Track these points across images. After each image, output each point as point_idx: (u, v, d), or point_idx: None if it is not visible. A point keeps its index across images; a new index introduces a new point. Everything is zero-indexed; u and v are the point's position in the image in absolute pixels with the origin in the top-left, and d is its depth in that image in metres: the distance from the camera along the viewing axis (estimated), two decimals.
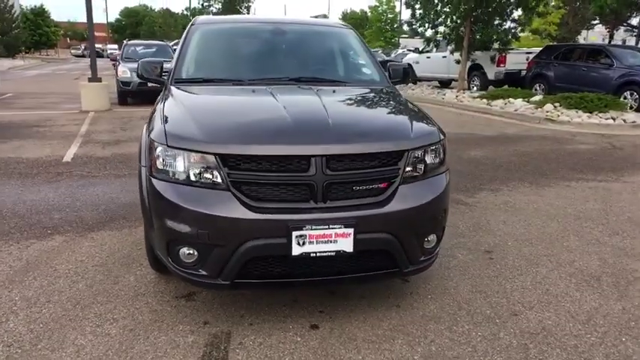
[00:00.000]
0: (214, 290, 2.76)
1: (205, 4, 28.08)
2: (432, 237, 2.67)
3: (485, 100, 12.86)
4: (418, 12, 15.27)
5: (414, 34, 17.21)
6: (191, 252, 2.39)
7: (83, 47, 59.64)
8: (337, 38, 3.97)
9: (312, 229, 2.29)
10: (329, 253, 2.34)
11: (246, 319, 2.62)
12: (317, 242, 2.32)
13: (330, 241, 2.33)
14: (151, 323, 2.57)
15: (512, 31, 14.77)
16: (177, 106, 2.79)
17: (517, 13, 15.07)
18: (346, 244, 2.35)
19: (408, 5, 15.41)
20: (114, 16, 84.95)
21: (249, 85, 3.23)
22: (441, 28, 15.32)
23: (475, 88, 15.77)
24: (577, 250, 3.67)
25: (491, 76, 15.53)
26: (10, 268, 3.17)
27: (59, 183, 5.16)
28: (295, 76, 3.35)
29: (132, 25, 73.97)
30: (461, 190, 5.21)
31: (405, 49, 28.26)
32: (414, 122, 2.77)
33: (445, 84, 18.08)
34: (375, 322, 2.64)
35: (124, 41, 17.16)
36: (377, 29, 46.16)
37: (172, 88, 3.17)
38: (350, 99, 3.14)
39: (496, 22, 14.78)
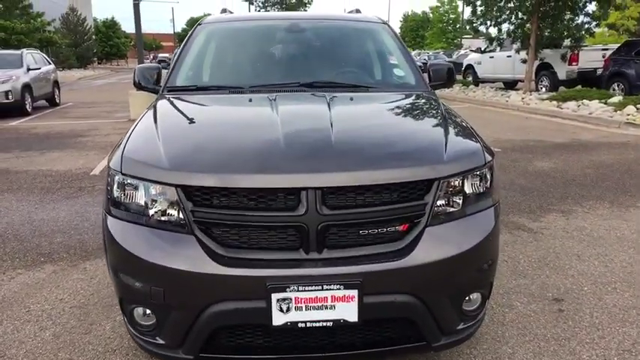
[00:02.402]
0: None
1: (262, 10, 28.13)
2: (476, 296, 1.95)
3: (555, 102, 11.63)
4: (479, 9, 14.17)
5: (474, 32, 16.01)
6: (148, 314, 1.84)
7: (151, 57, 62.36)
8: (364, 35, 3.31)
9: (299, 291, 1.66)
10: (324, 323, 1.70)
11: None
12: (307, 308, 1.68)
13: (326, 307, 1.68)
14: None
15: (586, 26, 13.33)
16: (150, 122, 2.25)
17: (591, 7, 13.63)
18: (348, 311, 1.69)
19: (468, 2, 14.35)
20: (180, 26, 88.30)
21: (250, 92, 2.65)
22: (505, 26, 14.11)
23: (544, 90, 14.42)
24: None
25: (562, 75, 14.13)
26: None
27: (77, 200, 4.84)
28: (308, 80, 2.72)
29: None
30: (524, 212, 4.37)
31: (468, 50, 26.88)
32: (450, 139, 2.06)
33: (510, 85, 16.76)
34: None
35: None
36: (438, 30, 44.66)
37: (159, 99, 2.65)
38: (369, 109, 2.48)
39: (567, 16, 13.40)
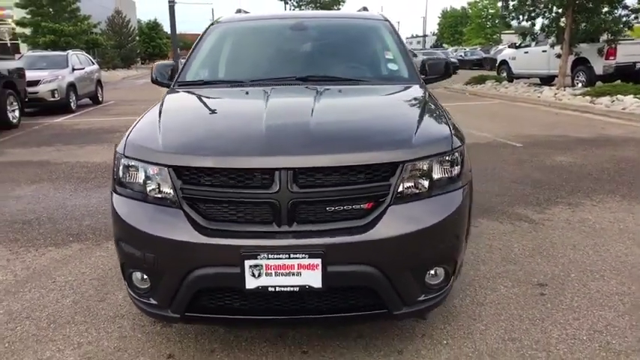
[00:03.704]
0: (167, 322, 2.43)
1: (296, 9, 28.49)
2: (438, 271, 2.12)
3: (588, 98, 11.36)
4: (512, 3, 13.94)
5: (507, 27, 15.73)
6: (144, 278, 2.10)
7: None
8: (363, 32, 3.49)
9: (268, 259, 1.88)
10: (292, 288, 1.91)
11: (216, 356, 2.27)
12: (276, 274, 1.90)
13: (293, 274, 1.90)
14: (114, 352, 2.32)
15: (624, 19, 12.89)
16: (155, 112, 2.53)
17: (631, 0, 13.17)
18: (313, 278, 1.90)
19: None
20: None
21: (251, 86, 2.89)
22: (539, 20, 13.83)
23: (580, 85, 14.04)
24: None
25: (598, 70, 13.72)
26: (14, 277, 3.14)
27: (108, 188, 5.22)
28: (304, 74, 2.94)
29: None
30: (530, 204, 4.43)
31: (507, 45, 26.36)
32: (422, 127, 2.23)
33: (546, 81, 16.36)
34: None
35: None
36: (477, 26, 43.81)
37: (169, 92, 2.94)
38: (353, 100, 2.67)
39: (604, 9, 13.01)
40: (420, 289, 2.07)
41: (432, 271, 2.10)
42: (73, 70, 13.05)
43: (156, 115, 2.49)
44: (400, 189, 2.01)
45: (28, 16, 25.03)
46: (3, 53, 11.63)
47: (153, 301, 2.08)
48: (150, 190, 2.07)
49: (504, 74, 17.97)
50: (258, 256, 1.88)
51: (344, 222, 1.96)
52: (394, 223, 1.97)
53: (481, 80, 17.22)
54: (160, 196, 2.05)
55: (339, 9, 28.35)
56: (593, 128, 8.61)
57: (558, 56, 13.81)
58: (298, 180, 1.94)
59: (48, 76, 11.99)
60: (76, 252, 3.53)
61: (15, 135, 9.17)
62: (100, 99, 14.82)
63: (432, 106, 2.59)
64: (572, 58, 13.85)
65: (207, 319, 2.08)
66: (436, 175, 2.10)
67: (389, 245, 1.95)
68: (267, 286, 1.91)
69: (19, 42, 26.70)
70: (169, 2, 11.76)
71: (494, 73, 19.57)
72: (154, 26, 58.09)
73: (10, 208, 4.60)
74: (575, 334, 2.41)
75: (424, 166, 2.07)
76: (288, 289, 1.91)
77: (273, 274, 1.90)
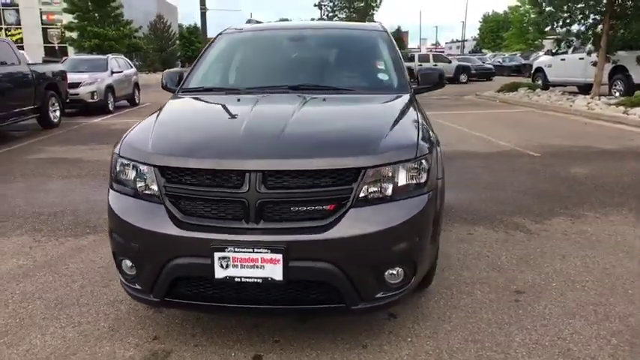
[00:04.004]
0: (149, 305, 2.66)
1: (331, 13, 28.87)
2: (397, 270, 2.26)
3: (622, 108, 11.05)
4: (547, 9, 13.69)
5: (540, 34, 15.45)
6: (131, 265, 2.34)
7: None
8: (359, 43, 3.66)
9: (235, 252, 2.09)
10: (255, 280, 2.11)
11: (196, 340, 2.50)
12: (242, 266, 2.10)
13: (257, 267, 2.10)
14: (107, 331, 2.58)
15: None
16: (154, 116, 2.79)
17: None
18: (275, 272, 2.09)
19: (535, 3, 13.91)
20: None
21: (245, 93, 3.11)
22: (575, 27, 13.52)
23: (617, 94, 13.64)
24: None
25: (637, 79, 13.28)
26: (33, 262, 3.48)
27: None
28: (296, 83, 3.14)
29: None
30: (531, 214, 4.46)
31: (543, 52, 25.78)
32: (390, 135, 2.39)
33: (584, 90, 15.90)
34: (339, 354, 2.32)
35: None
36: (517, 31, 42.85)
37: (172, 98, 3.20)
38: (333, 109, 2.85)
39: None
40: (378, 287, 2.23)
41: (391, 271, 2.25)
42: (112, 73, 13.74)
43: (153, 119, 2.75)
44: (362, 193, 2.18)
45: (75, 21, 26.37)
46: (50, 56, 12.40)
47: (138, 287, 2.32)
48: (139, 187, 2.32)
49: (540, 82, 17.63)
50: (226, 249, 2.09)
51: (306, 221, 2.14)
52: (353, 224, 2.13)
53: (513, 88, 16.94)
54: (147, 192, 2.29)
55: (372, 14, 28.54)
56: (621, 140, 8.42)
57: (594, 64, 13.47)
58: (267, 182, 2.13)
59: (88, 79, 12.67)
60: (91, 242, 3.85)
61: (55, 134, 9.78)
62: (137, 101, 15.49)
63: (410, 115, 2.73)
64: (609, 66, 13.49)
65: (184, 304, 2.30)
66: (399, 181, 2.25)
67: (347, 244, 2.12)
68: (233, 277, 2.11)
69: (67, 45, 28.17)
70: (201, 10, 12.30)
71: (527, 80, 19.21)
72: (194, 30, 59.74)
73: (39, 201, 5.00)
74: (538, 340, 2.50)
75: (387, 172, 2.23)
76: (253, 280, 2.11)
77: (239, 266, 2.10)
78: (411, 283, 2.33)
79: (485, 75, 29.10)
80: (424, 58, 26.52)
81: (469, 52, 67.04)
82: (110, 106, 13.19)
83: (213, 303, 2.24)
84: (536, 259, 3.49)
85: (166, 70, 3.69)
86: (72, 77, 12.06)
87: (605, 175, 5.96)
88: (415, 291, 2.90)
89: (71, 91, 11.81)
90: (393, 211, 2.22)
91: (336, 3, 28.95)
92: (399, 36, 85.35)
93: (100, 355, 2.37)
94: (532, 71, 18.60)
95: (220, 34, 3.88)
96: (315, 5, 29.35)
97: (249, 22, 4.72)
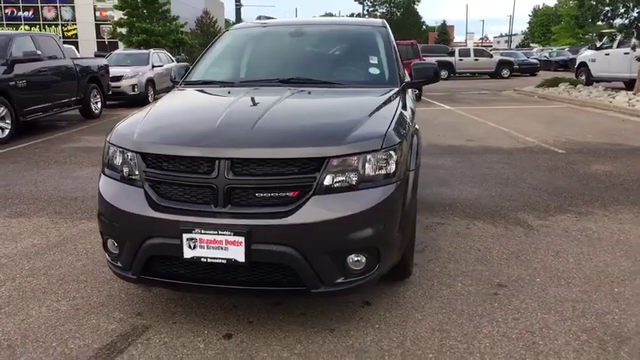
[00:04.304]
0: (129, 282, 2.79)
1: (371, 9, 28.65)
2: (359, 257, 2.33)
3: None
4: (588, 2, 13.13)
5: (580, 28, 14.81)
6: (114, 244, 2.53)
7: None
8: (355, 38, 3.72)
9: (201, 233, 2.22)
10: (220, 260, 2.24)
11: (175, 317, 2.66)
12: (208, 247, 2.24)
13: (221, 248, 2.22)
14: (96, 306, 2.79)
15: None
16: (149, 107, 2.97)
17: None
18: (238, 253, 2.21)
19: None
20: None
21: (239, 86, 3.25)
22: (618, 20, 12.90)
23: None
24: (628, 301, 2.79)
25: None
26: (47, 242, 3.76)
27: None
28: (287, 77, 3.25)
29: None
30: (537, 210, 4.39)
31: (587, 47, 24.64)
32: (361, 127, 2.46)
33: (630, 85, 15.19)
34: (291, 343, 2.42)
35: None
36: (567, 24, 41.08)
37: (172, 90, 3.38)
38: (314, 101, 2.93)
39: None
40: (339, 272, 2.31)
41: (353, 257, 2.32)
42: (153, 67, 14.29)
43: (147, 108, 2.93)
44: (327, 181, 2.26)
45: (125, 17, 27.48)
46: (102, 51, 13.04)
47: (119, 264, 2.50)
48: (125, 173, 2.49)
49: (583, 77, 16.93)
50: (193, 231, 2.23)
51: (270, 207, 2.25)
52: (314, 210, 2.22)
53: (554, 83, 16.36)
54: (132, 177, 2.46)
55: (413, 8, 28.13)
56: None
57: (639, 59, 12.82)
58: (234, 169, 2.26)
59: (130, 72, 13.25)
60: None
61: (95, 124, 10.31)
62: None
63: (389, 109, 2.77)
64: None
65: (158, 282, 2.46)
66: (365, 171, 2.32)
67: (307, 230, 2.21)
68: (200, 257, 2.25)
69: (117, 40, 29.41)
70: (236, 5, 12.68)
71: (569, 75, 18.48)
72: None
73: (65, 187, 5.35)
74: (505, 332, 2.50)
75: (352, 161, 2.30)
76: (218, 260, 2.24)
77: (206, 247, 2.23)
78: (375, 270, 2.39)
79: (529, 70, 28.19)
80: (465, 53, 25.96)
81: (516, 47, 64.93)
82: (150, 98, 13.71)
83: (184, 281, 2.38)
84: (528, 255, 3.45)
85: (175, 65, 3.88)
86: (115, 71, 12.67)
87: (627, 173, 5.74)
88: (395, 281, 2.99)
89: (113, 84, 12.40)
90: (356, 200, 2.29)
91: None
92: (445, 30, 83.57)
93: (86, 327, 2.58)
94: (575, 66, 17.87)
95: (227, 30, 4.03)
96: (355, 0, 29.27)
97: (259, 18, 4.84)
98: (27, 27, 35.39)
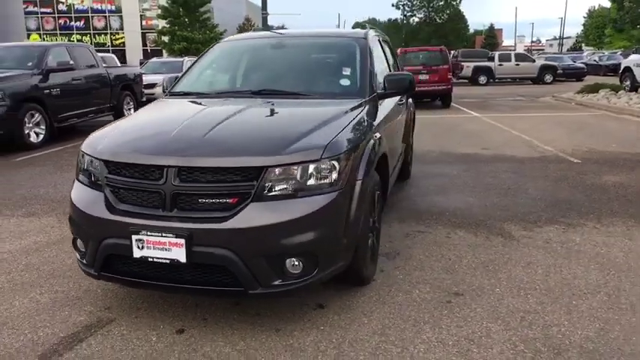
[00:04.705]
0: (93, 278, 2.95)
1: (409, 14, 28.50)
2: (296, 261, 2.47)
3: None
4: (628, 5, 12.60)
5: (619, 32, 14.18)
6: (81, 244, 2.77)
7: None
8: (332, 50, 3.86)
9: (148, 235, 2.42)
10: (164, 260, 2.43)
11: (139, 312, 2.87)
12: (154, 248, 2.43)
13: (165, 249, 2.42)
14: (74, 299, 3.05)
15: None
16: (124, 118, 3.22)
17: None
18: (180, 254, 2.40)
19: None
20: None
21: (214, 97, 3.46)
22: None
23: None
24: (581, 315, 2.77)
25: None
26: (47, 240, 4.09)
27: None
28: (259, 88, 3.43)
29: None
30: (524, 221, 4.35)
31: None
32: (305, 137, 2.60)
33: None
34: (235, 340, 2.58)
35: None
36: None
37: (156, 101, 3.62)
38: (274, 112, 3.07)
39: None
40: (276, 275, 2.45)
41: (291, 261, 2.46)
42: None
43: (120, 120, 3.19)
44: (265, 189, 2.41)
45: (167, 26, 28.68)
46: (147, 58, 13.71)
47: (85, 262, 2.74)
48: (93, 179, 2.74)
49: (628, 83, 16.19)
50: (141, 232, 2.43)
51: (211, 212, 2.43)
52: (251, 216, 2.38)
53: (595, 89, 15.75)
54: (98, 183, 2.70)
55: (449, 13, 27.76)
56: None
57: None
58: (181, 176, 2.45)
59: (163, 80, 13.84)
60: None
61: None
62: None
63: (343, 120, 2.88)
64: None
65: (115, 278, 2.68)
66: (304, 179, 2.46)
67: (244, 234, 2.37)
68: (147, 257, 2.45)
69: (161, 48, 30.71)
70: (262, 14, 12.96)
71: (613, 80, 17.70)
72: None
73: None
74: (443, 339, 2.56)
75: (292, 170, 2.44)
76: (162, 260, 2.43)
77: (152, 247, 2.43)
78: (313, 274, 2.51)
79: (575, 75, 27.13)
80: (505, 58, 25.33)
81: (568, 50, 62.57)
82: None
83: (136, 279, 2.59)
84: (498, 265, 3.45)
85: (165, 76, 4.14)
86: (149, 79, 13.29)
87: (637, 184, 5.54)
88: (354, 286, 3.09)
89: (147, 91, 13.00)
90: (293, 207, 2.43)
91: (414, 3, 28.60)
92: (492, 33, 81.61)
93: (58, 318, 2.83)
94: (620, 71, 17.12)
95: (216, 42, 4.26)
96: (392, 5, 29.24)
97: (254, 30, 5.01)
98: (78, 36, 37.71)
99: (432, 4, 28.03)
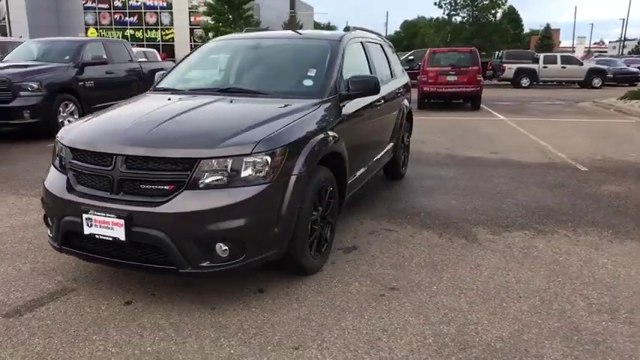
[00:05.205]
0: (57, 251, 3.22)
1: (452, 12, 28.00)
2: (224, 246, 2.70)
3: None
4: None
5: None
6: (50, 220, 3.12)
7: None
8: (304, 51, 4.05)
9: (95, 214, 2.73)
10: (108, 238, 2.73)
11: (100, 285, 3.20)
12: (100, 226, 2.74)
13: (108, 228, 2.72)
14: (49, 269, 3.42)
15: None
16: (102, 110, 3.56)
17: None
18: (120, 233, 2.69)
19: None
20: (394, 29, 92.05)
21: (186, 94, 3.74)
22: None
23: None
24: (505, 317, 2.85)
25: None
26: (36, 219, 4.48)
27: None
28: (225, 87, 3.71)
29: (408, 37, 78.40)
30: (497, 225, 4.40)
31: None
32: (243, 133, 2.83)
33: None
34: (171, 314, 2.84)
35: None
36: None
37: (139, 95, 3.96)
38: (227, 109, 3.33)
39: None
40: (204, 257, 2.70)
41: (218, 245, 2.70)
42: None
43: (96, 113, 3.52)
44: (198, 178, 2.67)
45: (212, 22, 29.61)
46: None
47: (51, 236, 3.09)
48: (62, 163, 3.08)
49: None
50: (89, 212, 2.74)
51: (150, 197, 2.71)
52: (183, 203, 2.64)
53: (638, 95, 15.04)
54: (64, 167, 3.04)
55: (495, 12, 27.08)
56: None
57: None
58: (127, 163, 2.74)
59: None
60: None
61: None
62: None
63: (289, 118, 3.09)
64: None
65: (72, 252, 3.00)
66: (234, 171, 2.69)
67: (175, 218, 2.63)
68: (94, 234, 2.76)
69: None
70: (290, 13, 13.24)
71: None
72: (328, 30, 62.12)
73: None
74: (360, 328, 2.72)
75: (223, 163, 2.68)
76: (106, 238, 2.73)
77: (98, 226, 2.74)
78: (241, 259, 2.75)
79: (627, 80, 25.79)
80: (550, 60, 24.46)
81: (629, 53, 59.38)
82: None
83: (89, 254, 2.91)
84: (447, 265, 3.55)
85: (158, 72, 4.47)
86: None
87: (636, 195, 5.40)
88: (298, 275, 3.28)
89: None
90: (222, 196, 2.67)
91: (457, 1, 28.10)
92: (548, 34, 78.51)
93: (30, 284, 3.21)
94: None
95: (208, 42, 4.55)
96: (435, 4, 28.82)
97: (246, 30, 5.17)
98: (131, 31, 39.53)
99: (476, 3, 27.40)
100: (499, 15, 28.91)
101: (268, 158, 2.75)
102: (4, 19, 35.37)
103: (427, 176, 6.28)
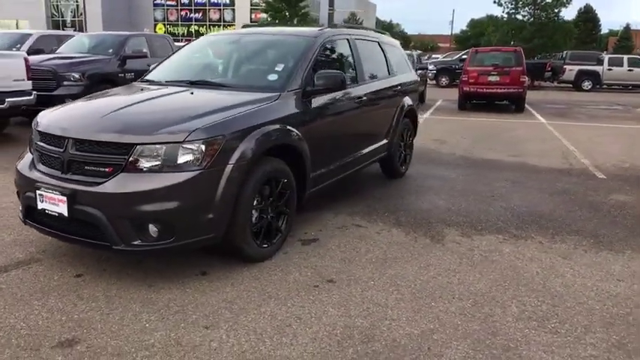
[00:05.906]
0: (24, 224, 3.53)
1: (512, 10, 26.79)
2: (154, 226, 2.88)
3: None
4: None
5: None
6: (19, 196, 3.44)
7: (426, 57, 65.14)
8: (279, 47, 4.16)
9: (44, 191, 3.01)
10: (54, 213, 2.99)
11: (62, 258, 3.48)
12: (49, 202, 3.01)
13: (55, 204, 2.98)
14: (27, 242, 3.75)
15: None
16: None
17: None
18: (64, 209, 2.95)
19: None
20: (460, 27, 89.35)
21: (161, 85, 3.96)
22: None
23: None
24: (427, 316, 2.83)
25: None
26: None
27: None
28: (195, 79, 3.89)
29: (476, 35, 75.98)
30: (471, 228, 4.31)
31: None
32: (182, 122, 3.00)
33: None
34: (112, 289, 3.06)
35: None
36: None
37: (125, 85, 4.24)
38: (185, 100, 3.51)
39: None
40: (137, 236, 2.89)
41: (149, 226, 2.88)
42: None
43: (80, 99, 3.82)
44: (134, 162, 2.87)
45: (269, 19, 30.26)
46: None
47: (20, 210, 3.41)
48: (31, 145, 3.40)
49: None
50: (41, 188, 3.02)
51: (91, 177, 2.94)
52: (118, 184, 2.85)
53: None
54: (34, 149, 3.36)
55: (559, 11, 25.69)
56: None
57: None
58: (76, 146, 2.99)
59: None
60: None
61: None
62: None
63: (236, 110, 3.23)
64: None
65: (34, 226, 3.29)
66: (168, 157, 2.87)
67: (109, 198, 2.85)
68: (45, 209, 3.03)
69: None
70: (329, 11, 13.43)
71: None
72: (389, 27, 61.49)
73: None
74: (276, 314, 2.81)
75: (157, 149, 2.87)
76: (54, 213, 3.00)
77: (47, 201, 3.01)
78: (171, 240, 2.92)
79: None
80: (616, 62, 22.93)
81: None
82: None
83: (43, 227, 3.19)
84: (397, 262, 3.55)
85: (153, 65, 4.75)
86: None
87: None
88: (244, 262, 3.41)
89: None
90: (154, 180, 2.85)
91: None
92: (627, 35, 73.41)
93: (5, 253, 3.55)
94: None
95: (197, 38, 4.78)
96: (494, 2, 27.72)
97: (244, 26, 5.28)
98: (195, 27, 41.19)
99: (537, 1, 26.05)
100: (569, 13, 27.57)
101: (203, 147, 2.90)
102: (81, 14, 37.98)
103: (430, 176, 6.19)
